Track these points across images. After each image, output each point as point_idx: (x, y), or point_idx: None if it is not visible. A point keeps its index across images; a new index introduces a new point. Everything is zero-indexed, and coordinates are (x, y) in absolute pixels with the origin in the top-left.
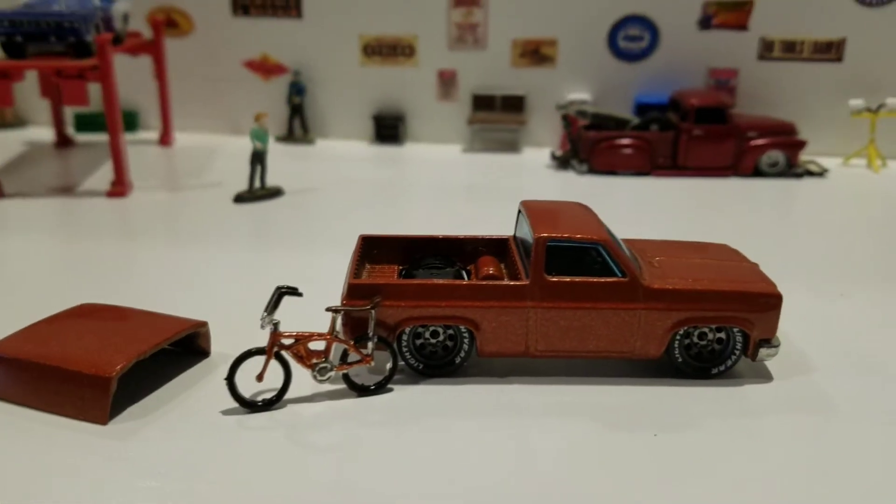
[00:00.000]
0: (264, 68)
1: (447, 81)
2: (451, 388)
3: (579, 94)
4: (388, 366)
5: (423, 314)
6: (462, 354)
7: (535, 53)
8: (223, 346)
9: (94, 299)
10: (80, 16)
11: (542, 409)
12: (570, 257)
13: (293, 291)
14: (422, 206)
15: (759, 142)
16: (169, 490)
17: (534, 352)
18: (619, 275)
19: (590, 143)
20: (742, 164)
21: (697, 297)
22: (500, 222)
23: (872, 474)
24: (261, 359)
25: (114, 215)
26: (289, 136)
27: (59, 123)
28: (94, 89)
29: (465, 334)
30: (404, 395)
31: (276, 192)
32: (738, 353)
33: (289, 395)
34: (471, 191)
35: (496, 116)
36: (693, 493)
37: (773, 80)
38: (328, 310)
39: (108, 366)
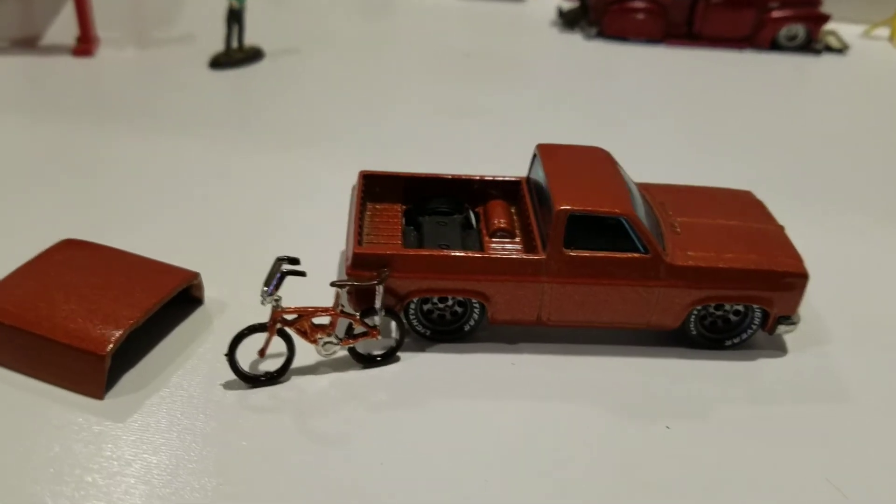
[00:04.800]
0: None
1: None
2: (459, 358)
3: None
4: (395, 336)
5: (433, 286)
6: (472, 323)
7: None
8: (217, 290)
9: (62, 210)
10: None
11: (551, 385)
12: (590, 227)
13: (296, 272)
14: (412, 87)
15: (780, 13)
16: (160, 479)
17: (546, 321)
18: (642, 250)
19: (601, 4)
20: (760, 37)
21: (721, 276)
22: (500, 111)
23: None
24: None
25: (80, 83)
26: None
27: None
28: None
29: (476, 305)
30: (410, 367)
31: (255, 55)
32: (755, 327)
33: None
34: (467, 61)
35: None
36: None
37: None
38: (333, 285)
39: (102, 341)
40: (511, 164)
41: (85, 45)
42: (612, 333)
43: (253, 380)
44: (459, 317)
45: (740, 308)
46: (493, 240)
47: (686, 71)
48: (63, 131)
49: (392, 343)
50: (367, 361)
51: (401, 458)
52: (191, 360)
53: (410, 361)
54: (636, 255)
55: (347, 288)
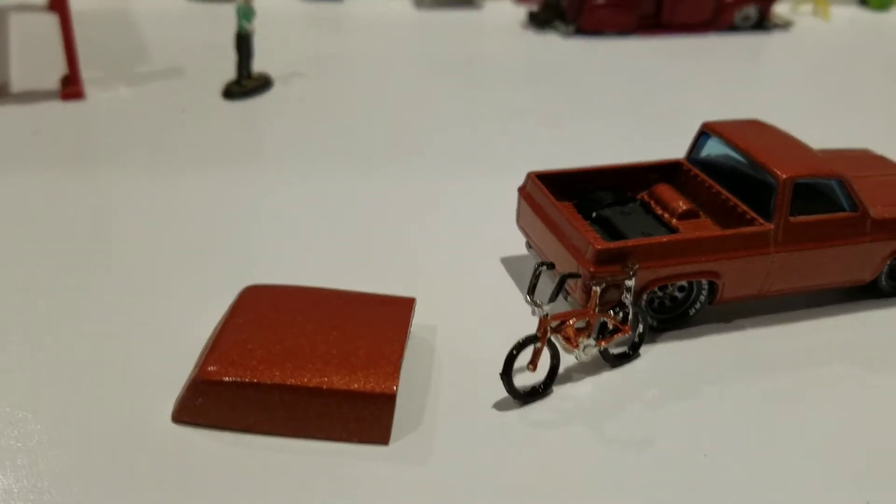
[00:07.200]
0: None
1: None
2: (690, 344)
3: None
4: (639, 329)
5: (671, 273)
6: (697, 306)
7: None
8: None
9: (186, 262)
10: None
11: (793, 355)
12: (802, 193)
13: (573, 275)
14: (441, 97)
15: None
16: None
17: (765, 293)
18: (850, 209)
19: (578, 1)
20: (721, 20)
21: None
22: (535, 111)
23: None
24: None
25: (84, 132)
26: None
27: None
28: None
29: (705, 286)
30: (655, 360)
31: (265, 82)
32: None
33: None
34: (472, 68)
35: None
36: None
37: None
38: (591, 283)
39: (387, 380)
40: (575, 156)
41: (74, 86)
42: (802, 296)
43: (527, 395)
44: (680, 303)
45: None
46: (683, 222)
47: (664, 59)
48: (111, 181)
49: (634, 339)
50: (620, 359)
51: (718, 447)
52: (443, 387)
53: (650, 354)
54: (849, 213)
55: (604, 286)
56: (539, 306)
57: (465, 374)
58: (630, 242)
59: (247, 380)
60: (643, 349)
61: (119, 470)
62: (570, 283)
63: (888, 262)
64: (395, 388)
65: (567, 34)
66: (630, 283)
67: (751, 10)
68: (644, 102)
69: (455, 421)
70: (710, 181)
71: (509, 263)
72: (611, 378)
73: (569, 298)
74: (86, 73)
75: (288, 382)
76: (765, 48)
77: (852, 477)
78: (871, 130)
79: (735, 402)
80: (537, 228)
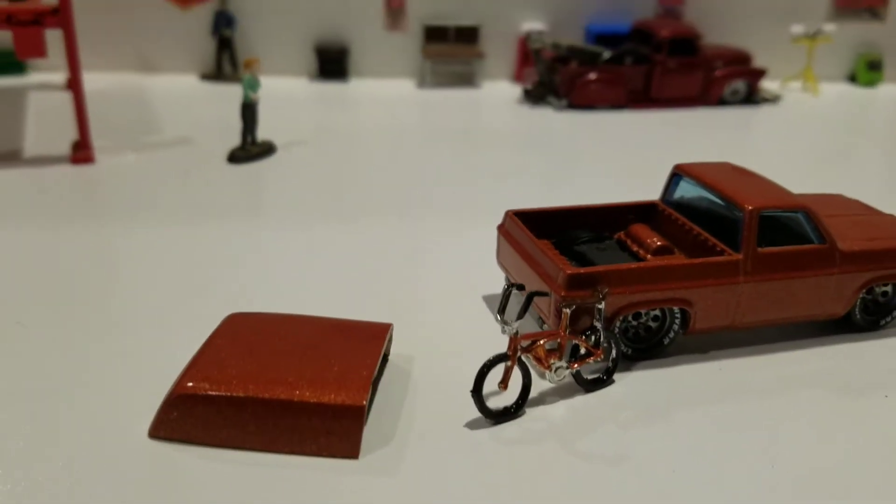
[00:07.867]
0: None
1: (396, 11)
2: (666, 372)
3: (535, 24)
4: (612, 355)
5: (643, 299)
6: (671, 335)
7: None
8: (394, 345)
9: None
10: None
11: (767, 382)
12: (769, 225)
13: (541, 293)
14: (417, 161)
15: (724, 72)
16: None
17: (737, 324)
18: (818, 241)
19: (570, 78)
20: (710, 95)
21: (883, 257)
22: (526, 171)
23: None
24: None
25: (90, 190)
26: (218, 75)
27: None
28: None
29: (677, 314)
30: (629, 386)
31: (269, 149)
32: None
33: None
34: (452, 139)
35: (452, 49)
36: None
37: (720, 8)
38: (562, 306)
39: (357, 391)
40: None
41: (84, 151)
42: (776, 329)
43: (499, 415)
44: (655, 332)
45: (888, 290)
46: (657, 258)
47: (658, 128)
48: (111, 231)
49: (607, 365)
50: (594, 384)
51: (688, 464)
52: (416, 409)
53: (624, 380)
54: (817, 245)
55: (573, 309)
56: (508, 324)
57: (440, 397)
58: (600, 268)
59: (221, 393)
60: (617, 375)
61: (94, 483)
62: (544, 308)
63: (860, 296)
64: (364, 400)
65: (560, 108)
66: (600, 306)
67: (740, 85)
68: (633, 163)
69: (426, 438)
70: (682, 219)
71: (490, 300)
72: (584, 401)
73: (544, 326)
74: (97, 141)
75: (260, 396)
76: (753, 119)
77: (821, 497)
78: (857, 191)
79: (706, 424)
80: (515, 264)
